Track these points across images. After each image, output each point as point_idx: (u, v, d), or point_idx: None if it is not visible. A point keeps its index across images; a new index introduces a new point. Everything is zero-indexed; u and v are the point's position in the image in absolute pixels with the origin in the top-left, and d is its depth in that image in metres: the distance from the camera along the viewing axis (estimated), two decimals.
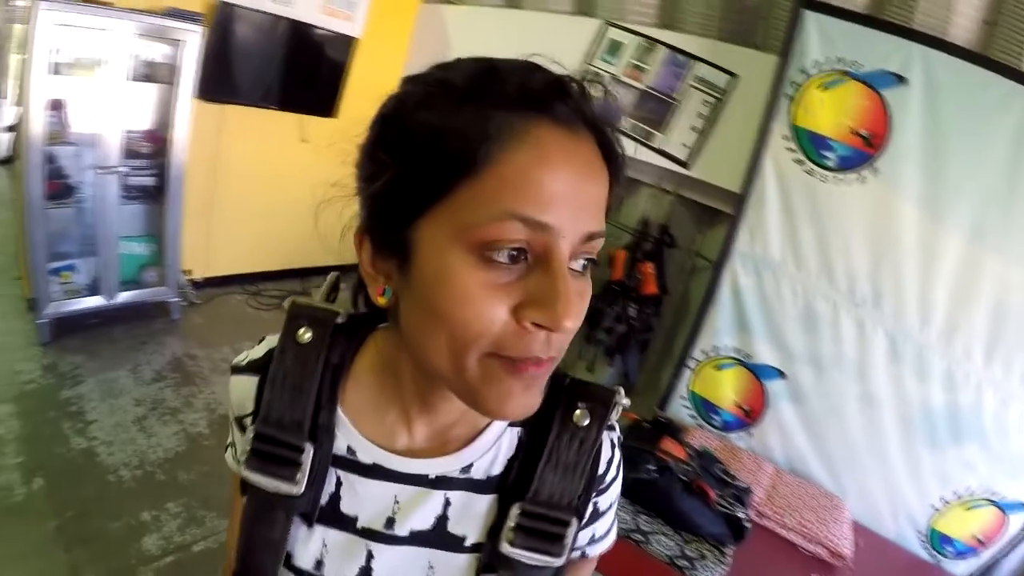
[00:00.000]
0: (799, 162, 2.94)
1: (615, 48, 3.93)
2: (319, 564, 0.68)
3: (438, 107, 0.53)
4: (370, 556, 0.67)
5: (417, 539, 0.67)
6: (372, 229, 0.60)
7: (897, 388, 2.84)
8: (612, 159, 0.58)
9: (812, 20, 2.84)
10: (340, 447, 0.68)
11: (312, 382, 0.66)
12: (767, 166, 3.04)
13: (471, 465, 0.68)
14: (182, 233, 4.15)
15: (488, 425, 0.70)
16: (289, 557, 0.68)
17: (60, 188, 3.70)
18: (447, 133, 0.52)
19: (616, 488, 0.77)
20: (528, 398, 0.56)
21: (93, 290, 3.91)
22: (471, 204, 0.51)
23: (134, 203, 4.03)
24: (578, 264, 0.56)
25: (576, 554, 0.77)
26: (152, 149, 3.96)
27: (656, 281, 3.74)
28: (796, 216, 2.99)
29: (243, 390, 0.71)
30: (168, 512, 2.73)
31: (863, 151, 2.77)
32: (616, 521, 0.83)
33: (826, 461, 3.07)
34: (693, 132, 3.64)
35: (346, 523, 0.67)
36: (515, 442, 0.71)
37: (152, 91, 3.91)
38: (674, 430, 3.06)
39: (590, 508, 0.72)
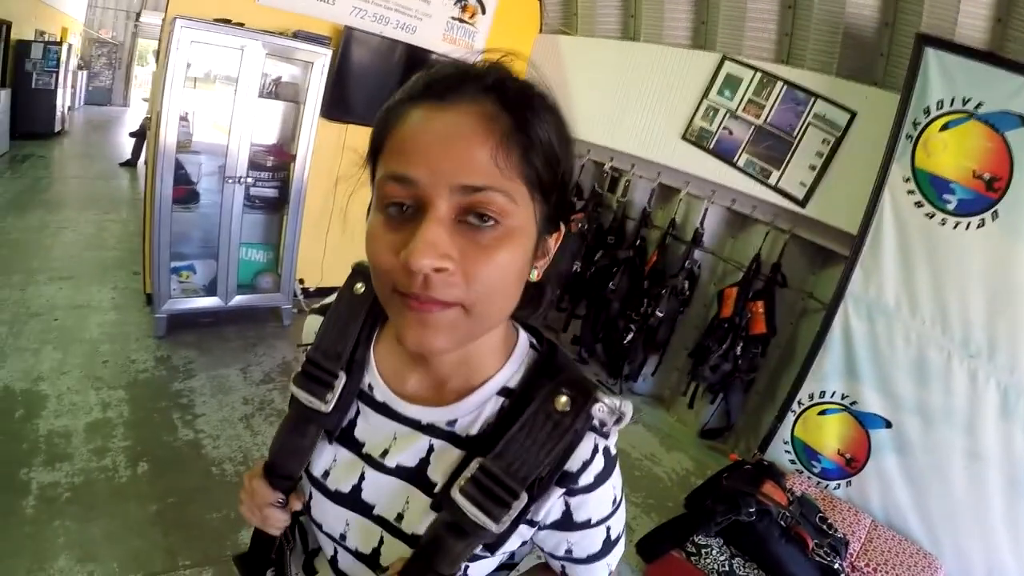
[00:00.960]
0: (919, 204, 2.98)
1: (733, 83, 4.06)
2: (326, 474, 0.84)
3: (380, 112, 0.69)
4: (362, 477, 0.81)
5: (400, 472, 0.79)
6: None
7: (1006, 445, 2.81)
8: (515, 117, 0.64)
9: (934, 58, 2.89)
10: (364, 383, 0.84)
11: (356, 326, 0.84)
12: (886, 208, 3.09)
13: (456, 420, 0.78)
14: (299, 243, 4.48)
15: (479, 387, 0.78)
16: (307, 464, 0.86)
17: (186, 193, 4.11)
18: (374, 131, 0.69)
19: (601, 504, 0.79)
20: (426, 334, 0.65)
21: (210, 291, 4.27)
22: (381, 170, 0.66)
23: (255, 212, 4.40)
24: (472, 218, 0.62)
25: (556, 565, 0.87)
26: (276, 162, 4.34)
27: (765, 321, 3.80)
28: (913, 260, 3.01)
29: (311, 326, 0.90)
30: None
31: (985, 195, 2.78)
32: (610, 556, 0.85)
33: (925, 517, 3.04)
34: (811, 171, 3.71)
35: (355, 445, 0.83)
36: (497, 408, 0.78)
37: (278, 108, 4.32)
38: (775, 474, 3.12)
39: (560, 506, 0.77)
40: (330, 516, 0.84)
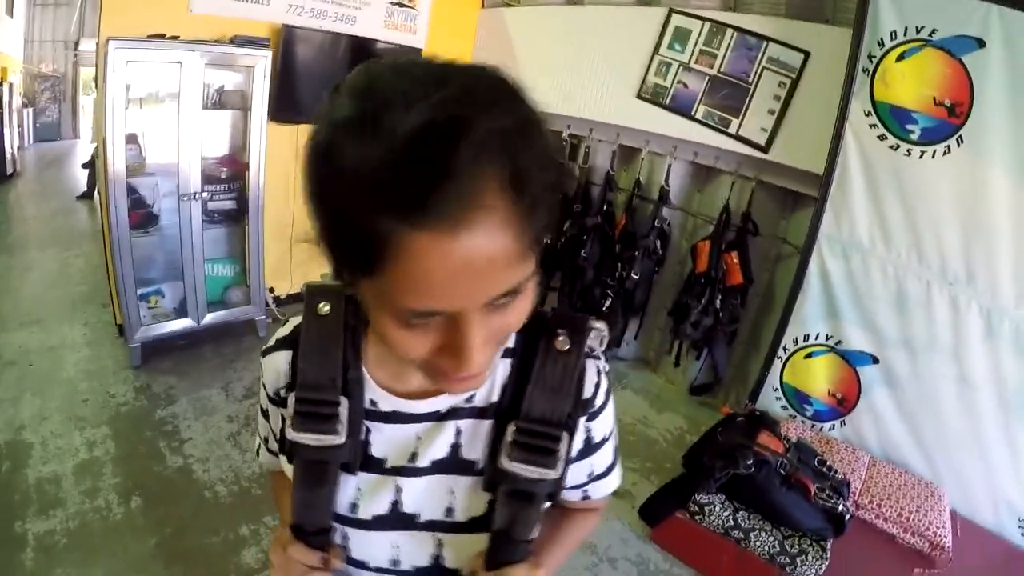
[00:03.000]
0: (882, 138, 2.97)
1: (682, 36, 4.01)
2: (354, 507, 0.81)
3: (337, 190, 0.54)
4: (398, 490, 0.80)
5: (437, 467, 0.79)
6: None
7: (994, 368, 2.83)
8: (519, 188, 0.53)
9: None
10: (365, 401, 0.80)
11: (337, 346, 0.78)
12: (849, 144, 3.08)
13: (473, 395, 0.79)
14: (264, 252, 4.38)
15: None
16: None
17: (143, 217, 4.02)
18: (345, 231, 0.56)
19: (608, 418, 0.87)
20: (468, 387, 0.70)
21: (181, 312, 4.19)
22: (380, 293, 0.57)
23: (216, 226, 4.33)
24: (496, 303, 0.58)
25: (577, 495, 0.92)
26: (230, 173, 4.26)
27: (741, 271, 3.80)
28: (882, 194, 3.01)
29: (277, 365, 0.84)
30: (266, 526, 2.83)
31: (948, 121, 2.77)
32: (618, 463, 0.94)
33: (922, 448, 3.07)
34: (770, 115, 3.69)
35: (376, 465, 0.80)
36: (508, 370, 0.81)
37: (226, 117, 4.22)
38: (769, 423, 3.11)
39: (582, 434, 0.84)
40: (375, 547, 0.82)
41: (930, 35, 2.77)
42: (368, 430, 0.80)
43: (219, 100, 4.14)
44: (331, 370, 0.78)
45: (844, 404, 3.27)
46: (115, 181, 3.59)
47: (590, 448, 0.86)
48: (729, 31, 3.81)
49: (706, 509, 2.74)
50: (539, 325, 0.79)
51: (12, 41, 13.42)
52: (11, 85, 11.83)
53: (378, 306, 0.59)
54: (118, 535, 2.70)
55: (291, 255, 4.80)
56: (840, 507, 2.64)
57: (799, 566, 2.55)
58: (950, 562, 2.66)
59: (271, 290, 4.70)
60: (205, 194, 3.97)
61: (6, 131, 10.41)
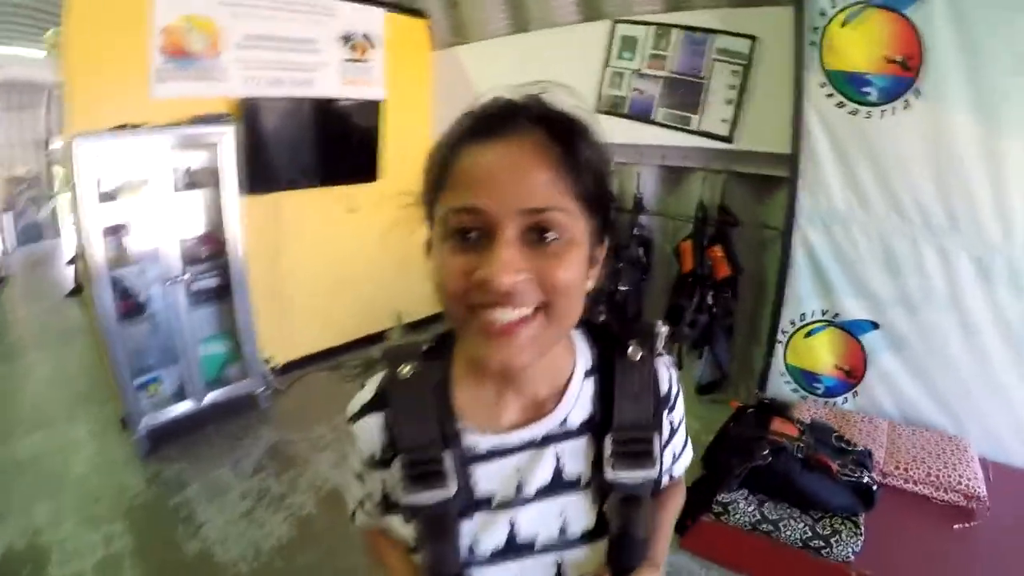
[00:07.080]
0: (840, 105, 2.97)
1: (630, 43, 4.04)
2: (471, 550, 0.83)
3: (432, 153, 0.77)
4: (511, 523, 0.83)
5: (543, 493, 0.84)
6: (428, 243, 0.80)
7: (994, 308, 2.80)
8: (564, 145, 0.72)
9: None
10: (464, 448, 0.85)
11: (427, 406, 0.84)
12: (811, 118, 3.07)
13: (565, 419, 0.85)
14: (255, 324, 4.34)
15: (568, 383, 0.87)
16: None
17: (131, 307, 3.98)
18: (430, 170, 0.77)
19: (681, 403, 0.96)
20: (506, 353, 0.72)
21: (181, 396, 4.13)
22: (441, 209, 0.73)
23: (204, 306, 4.29)
24: (536, 234, 0.70)
25: (665, 479, 0.97)
26: (211, 251, 4.21)
27: (728, 263, 3.78)
28: (851, 160, 3.00)
29: (370, 429, 0.89)
30: None
31: (902, 76, 2.77)
32: (688, 437, 1.03)
33: (939, 402, 3.02)
34: (728, 105, 3.69)
35: (485, 505, 0.84)
36: (592, 388, 0.88)
37: (199, 196, 4.18)
38: (780, 408, 3.08)
39: (666, 426, 0.92)
40: None
41: None
42: (471, 474, 0.84)
43: (190, 181, 4.11)
44: (429, 430, 0.83)
45: (853, 375, 3.23)
46: (98, 275, 3.57)
47: (672, 434, 0.95)
48: (674, 31, 3.83)
49: (730, 508, 2.68)
50: (609, 339, 0.91)
51: None
52: None
53: (441, 231, 0.73)
54: None
55: (282, 323, 4.76)
56: (865, 479, 2.59)
57: (834, 547, 2.47)
58: (989, 510, 2.59)
59: (268, 360, 4.65)
60: (187, 276, 3.96)
61: None
